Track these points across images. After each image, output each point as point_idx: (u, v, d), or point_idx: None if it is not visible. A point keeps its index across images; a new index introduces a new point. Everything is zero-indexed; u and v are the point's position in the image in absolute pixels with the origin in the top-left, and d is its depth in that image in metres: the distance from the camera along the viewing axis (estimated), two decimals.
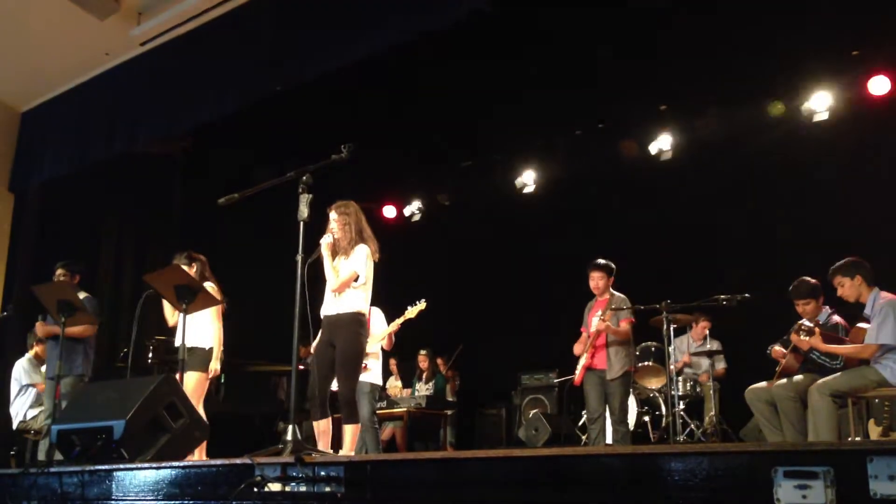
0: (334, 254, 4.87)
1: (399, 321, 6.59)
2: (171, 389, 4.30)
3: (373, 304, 6.58)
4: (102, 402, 4.40)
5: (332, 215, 4.92)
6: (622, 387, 5.85)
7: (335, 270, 4.81)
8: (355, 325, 4.83)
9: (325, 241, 4.76)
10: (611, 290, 6.08)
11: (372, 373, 6.45)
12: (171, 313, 5.73)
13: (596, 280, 6.06)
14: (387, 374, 8.77)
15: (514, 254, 9.11)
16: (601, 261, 6.11)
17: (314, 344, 5.13)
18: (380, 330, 6.53)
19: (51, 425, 4.73)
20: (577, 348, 6.06)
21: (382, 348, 6.59)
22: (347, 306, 4.83)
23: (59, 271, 6.31)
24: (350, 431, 4.87)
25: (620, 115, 8.43)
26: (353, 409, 4.88)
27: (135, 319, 5.18)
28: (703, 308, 6.59)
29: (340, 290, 4.83)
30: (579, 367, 5.97)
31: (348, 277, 4.80)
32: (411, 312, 6.61)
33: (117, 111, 7.52)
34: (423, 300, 6.63)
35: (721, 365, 7.35)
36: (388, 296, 6.92)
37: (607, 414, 5.93)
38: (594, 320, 5.97)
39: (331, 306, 4.87)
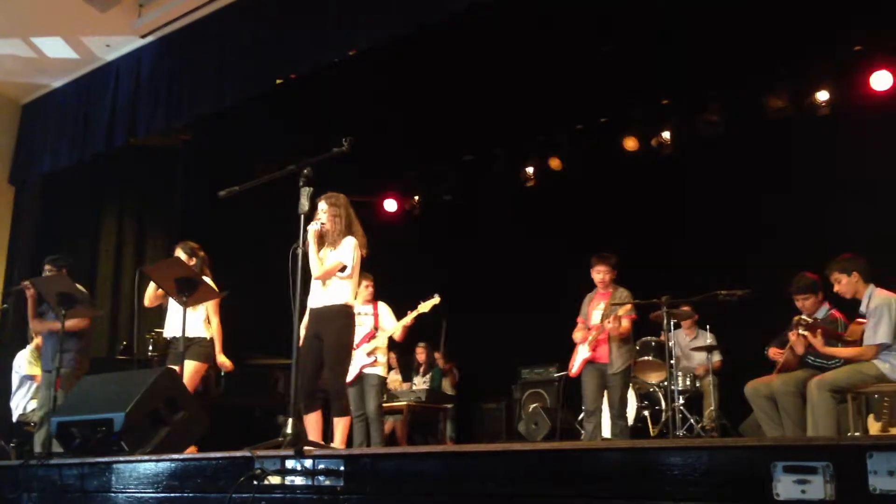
0: (321, 243, 4.84)
1: (412, 315, 6.50)
2: (171, 383, 4.31)
3: (381, 298, 6.63)
4: (103, 394, 4.41)
5: (322, 205, 4.88)
6: (623, 380, 5.82)
7: (320, 259, 4.78)
8: (344, 317, 4.82)
9: (313, 228, 4.70)
10: (613, 283, 6.01)
11: (381, 365, 6.43)
12: (149, 296, 5.71)
13: (603, 274, 5.96)
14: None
15: (514, 248, 9.09)
16: (608, 254, 6.00)
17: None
18: (388, 323, 6.51)
19: (48, 416, 4.74)
20: (578, 336, 5.99)
21: (391, 340, 6.55)
22: (335, 298, 4.81)
23: (46, 267, 6.25)
24: (341, 424, 4.85)
25: (622, 110, 8.42)
26: (344, 401, 4.87)
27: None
28: (698, 303, 6.57)
29: (324, 279, 4.80)
30: (579, 358, 5.91)
31: (333, 266, 4.78)
32: (424, 307, 6.51)
33: (118, 103, 7.51)
34: (437, 295, 6.52)
35: (716, 358, 7.36)
36: (392, 289, 6.94)
37: (605, 408, 5.92)
38: (595, 313, 5.92)
39: (318, 298, 4.84)
